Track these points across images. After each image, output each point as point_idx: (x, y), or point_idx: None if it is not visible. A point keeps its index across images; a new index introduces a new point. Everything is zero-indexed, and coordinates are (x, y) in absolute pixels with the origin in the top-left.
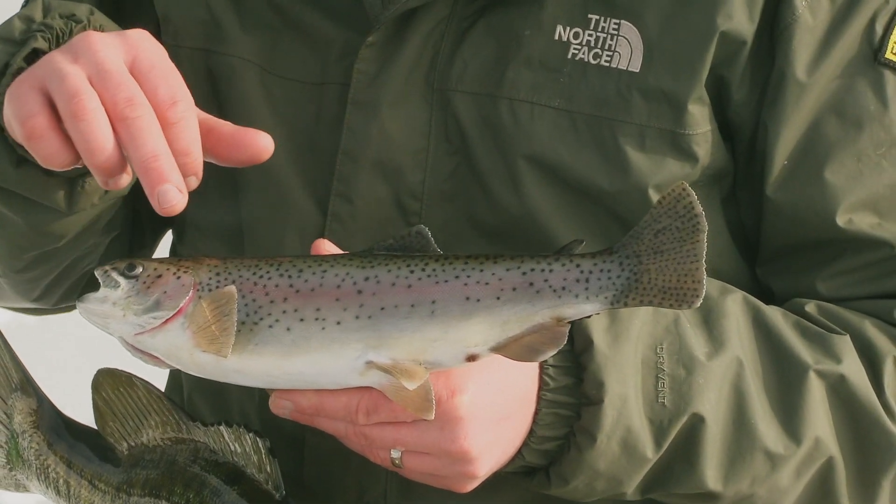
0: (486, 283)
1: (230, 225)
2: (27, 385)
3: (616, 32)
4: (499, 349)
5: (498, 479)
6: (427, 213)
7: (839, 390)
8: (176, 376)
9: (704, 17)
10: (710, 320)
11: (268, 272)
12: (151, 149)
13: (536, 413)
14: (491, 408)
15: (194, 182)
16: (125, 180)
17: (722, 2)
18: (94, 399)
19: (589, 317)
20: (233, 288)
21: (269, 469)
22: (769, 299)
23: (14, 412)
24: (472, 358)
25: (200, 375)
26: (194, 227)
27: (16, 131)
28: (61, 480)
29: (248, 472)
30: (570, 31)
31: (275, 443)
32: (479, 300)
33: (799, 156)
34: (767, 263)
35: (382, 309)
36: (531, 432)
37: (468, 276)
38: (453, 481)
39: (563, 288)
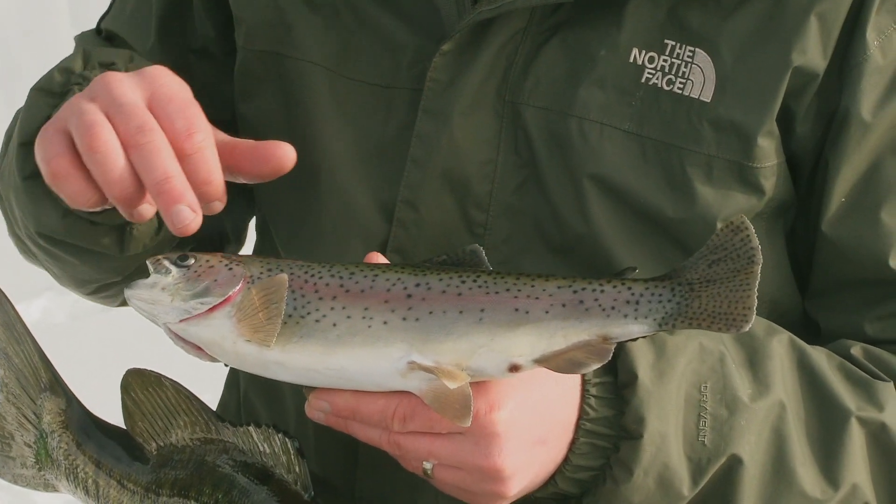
0: (537, 298)
1: (296, 226)
2: (56, 385)
3: (690, 60)
4: (542, 361)
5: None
6: (492, 225)
7: (879, 438)
8: (234, 373)
9: (779, 52)
10: (755, 361)
11: (319, 272)
12: (163, 171)
13: (574, 441)
14: (528, 429)
15: (219, 206)
16: (148, 211)
17: (797, 37)
18: (123, 399)
19: (635, 339)
20: (284, 276)
21: (297, 470)
22: (816, 335)
23: (43, 412)
24: (514, 368)
25: (241, 368)
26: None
27: (43, 174)
28: (90, 480)
29: (276, 472)
30: (645, 54)
31: (329, 446)
32: (527, 312)
33: (857, 194)
34: (816, 298)
35: (430, 313)
36: (566, 460)
37: (518, 290)
38: (482, 498)
39: (613, 308)
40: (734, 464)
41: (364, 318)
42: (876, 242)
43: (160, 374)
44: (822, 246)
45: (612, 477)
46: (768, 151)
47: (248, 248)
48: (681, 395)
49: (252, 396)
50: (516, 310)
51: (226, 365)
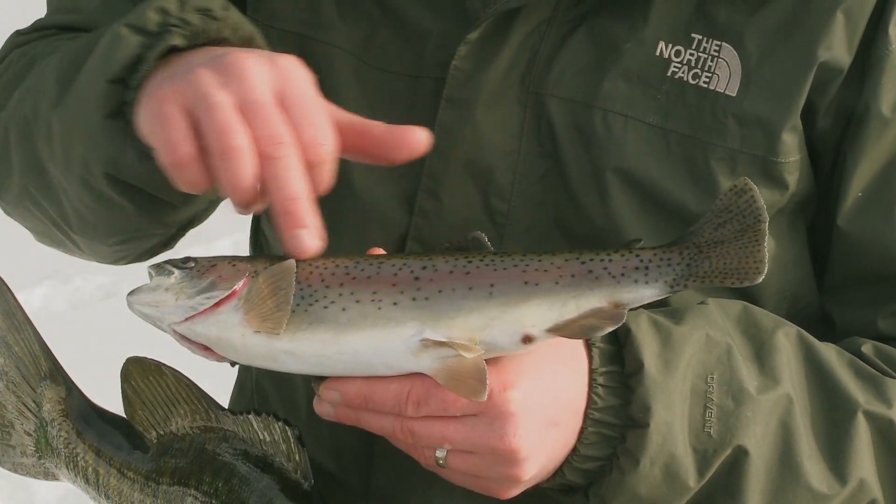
0: (545, 270)
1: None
2: (56, 373)
3: (717, 54)
4: (556, 330)
5: (537, 496)
6: (514, 215)
7: (887, 435)
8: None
9: (805, 47)
10: (762, 354)
11: (324, 263)
12: (292, 191)
13: (582, 431)
14: (541, 409)
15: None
16: (258, 209)
17: (824, 32)
18: (122, 387)
19: (646, 305)
20: (292, 262)
21: (297, 458)
22: (831, 330)
23: (43, 400)
24: (528, 339)
25: (250, 362)
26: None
27: (158, 153)
28: (90, 469)
29: (276, 461)
30: (671, 48)
31: (345, 440)
32: (537, 284)
33: (874, 190)
34: (830, 293)
35: (440, 292)
36: (575, 450)
37: (526, 265)
38: (497, 484)
39: (623, 274)
40: (740, 455)
41: (373, 301)
42: (890, 238)
43: (160, 363)
44: (837, 240)
45: (619, 467)
46: (792, 146)
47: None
48: (686, 385)
49: (264, 384)
50: (526, 283)
51: (232, 365)
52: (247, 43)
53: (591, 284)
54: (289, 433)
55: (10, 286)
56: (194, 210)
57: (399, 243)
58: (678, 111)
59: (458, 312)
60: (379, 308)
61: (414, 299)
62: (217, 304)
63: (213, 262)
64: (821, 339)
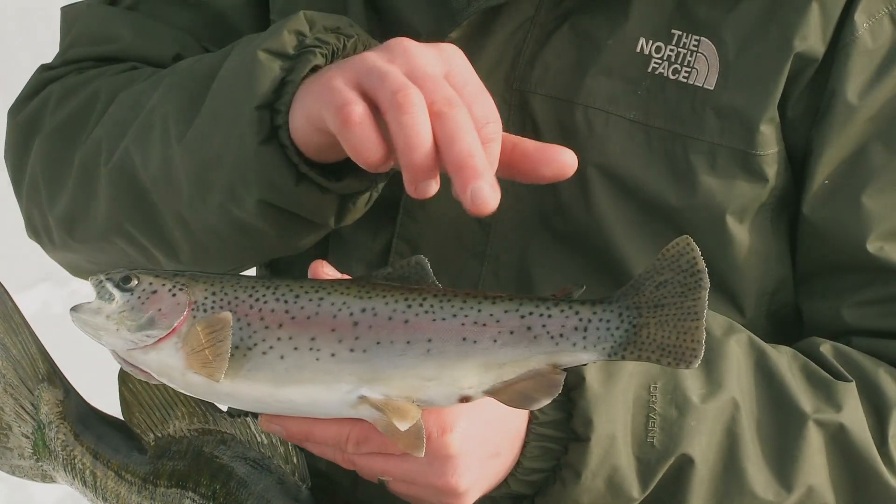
0: (484, 325)
1: None
2: (54, 376)
3: (696, 49)
4: (492, 393)
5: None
6: (500, 215)
7: (838, 439)
8: None
9: (781, 39)
10: (710, 360)
11: (264, 295)
12: (468, 145)
13: (524, 445)
14: (481, 444)
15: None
16: (433, 189)
17: (799, 23)
18: (120, 390)
19: (585, 365)
20: (228, 314)
21: (295, 460)
22: (799, 323)
23: (41, 403)
24: (465, 399)
25: (192, 395)
26: None
27: (328, 120)
28: (88, 471)
29: (274, 463)
30: (652, 44)
31: None
32: (475, 342)
33: (839, 177)
34: (798, 284)
35: (378, 343)
36: (518, 463)
37: (465, 316)
38: None
39: (561, 335)
40: (684, 464)
41: (311, 349)
42: (855, 226)
43: None
44: (803, 229)
45: (562, 479)
46: (770, 139)
47: None
48: (629, 395)
49: None
50: (464, 339)
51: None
52: None
53: (530, 344)
54: None
55: (7, 289)
56: (333, 227)
57: (386, 243)
58: (658, 106)
59: (396, 370)
60: (317, 359)
61: (352, 350)
62: (158, 341)
63: (153, 287)
64: (798, 335)
